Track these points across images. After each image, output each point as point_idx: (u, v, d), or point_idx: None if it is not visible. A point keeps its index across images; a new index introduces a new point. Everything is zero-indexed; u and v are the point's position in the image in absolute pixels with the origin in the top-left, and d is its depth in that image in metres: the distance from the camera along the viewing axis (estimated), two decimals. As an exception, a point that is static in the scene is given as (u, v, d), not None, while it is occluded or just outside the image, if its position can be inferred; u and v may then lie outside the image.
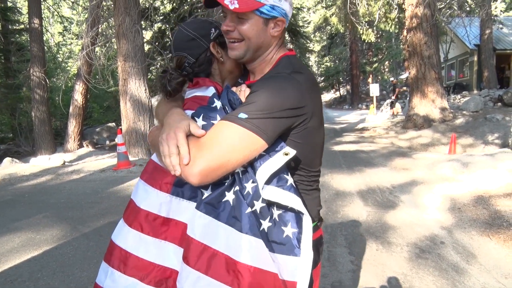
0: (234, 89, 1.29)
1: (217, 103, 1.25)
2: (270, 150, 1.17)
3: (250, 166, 1.17)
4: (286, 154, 1.15)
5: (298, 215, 1.20)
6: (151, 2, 16.38)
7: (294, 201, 1.16)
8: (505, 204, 4.73)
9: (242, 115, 1.09)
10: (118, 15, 10.22)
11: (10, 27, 19.12)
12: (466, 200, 5.06)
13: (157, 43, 17.44)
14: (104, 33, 14.67)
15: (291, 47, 21.77)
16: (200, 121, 1.18)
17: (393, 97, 19.92)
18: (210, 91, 1.31)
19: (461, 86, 23.06)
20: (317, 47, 40.80)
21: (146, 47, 18.10)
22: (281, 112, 1.13)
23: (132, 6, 10.27)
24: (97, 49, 13.87)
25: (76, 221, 4.89)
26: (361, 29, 16.72)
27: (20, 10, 20.81)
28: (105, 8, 13.59)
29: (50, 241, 4.25)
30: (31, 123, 14.57)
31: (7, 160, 9.89)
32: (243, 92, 1.26)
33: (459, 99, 17.85)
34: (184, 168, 1.06)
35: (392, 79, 21.27)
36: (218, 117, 1.19)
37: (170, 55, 1.42)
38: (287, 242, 1.17)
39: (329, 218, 4.72)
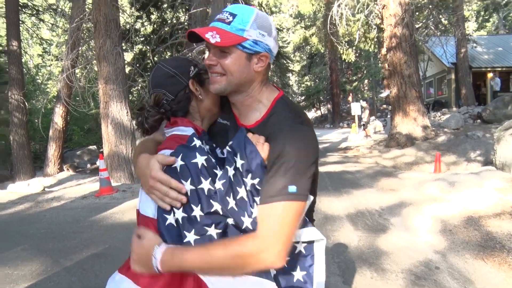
0: (251, 136, 1.22)
1: (196, 142, 1.24)
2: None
3: None
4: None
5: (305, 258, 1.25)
6: (131, 24, 16.32)
7: (314, 233, 1.24)
8: (495, 225, 4.71)
9: (292, 189, 1.11)
10: (98, 38, 10.11)
11: (-13, 49, 18.85)
12: (456, 221, 5.02)
13: (138, 65, 17.32)
14: (85, 55, 14.51)
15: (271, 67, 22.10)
16: (179, 161, 1.18)
17: (365, 119, 20.16)
18: (189, 130, 1.30)
19: (440, 103, 23.53)
20: (297, 66, 41.18)
21: (127, 69, 17.96)
22: (310, 167, 1.17)
23: (113, 28, 10.18)
24: (77, 71, 13.67)
25: (57, 254, 4.67)
26: (341, 48, 16.92)
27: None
28: (85, 30, 13.46)
29: (29, 277, 4.02)
30: (9, 147, 14.21)
31: (-17, 187, 9.57)
32: (261, 145, 1.18)
33: (439, 116, 18.14)
34: (266, 260, 1.10)
35: (363, 102, 21.53)
36: (198, 155, 1.18)
37: (148, 92, 1.39)
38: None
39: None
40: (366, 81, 33.77)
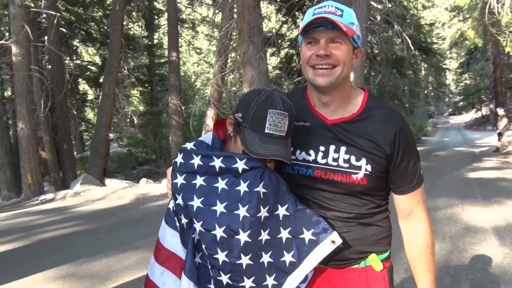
0: None
1: (188, 145, 1.39)
2: (317, 235, 1.31)
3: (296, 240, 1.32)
4: (333, 242, 1.30)
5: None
6: (276, 29, 16.89)
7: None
8: None
9: (420, 172, 1.40)
10: (243, 44, 10.67)
11: (156, 61, 21.51)
12: None
13: (287, 68, 17.88)
14: (236, 60, 15.52)
15: (424, 66, 20.18)
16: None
17: (500, 129, 17.31)
18: (204, 138, 1.43)
19: None
20: (454, 64, 37.61)
21: (275, 72, 18.62)
22: None
23: (256, 34, 10.62)
24: (231, 76, 14.70)
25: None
26: (504, 40, 14.93)
27: (164, 45, 23.20)
28: (233, 38, 14.39)
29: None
30: (169, 146, 15.94)
31: (143, 180, 10.92)
32: None
33: None
34: None
35: (500, 109, 18.43)
36: (178, 155, 1.37)
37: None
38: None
39: (453, 257, 4.13)
40: (540, 77, 29.17)
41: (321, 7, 1.28)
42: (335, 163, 1.33)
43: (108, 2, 17.70)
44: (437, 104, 41.25)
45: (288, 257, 1.31)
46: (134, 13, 18.26)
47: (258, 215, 1.23)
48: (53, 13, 12.58)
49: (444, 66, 25.18)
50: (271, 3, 16.94)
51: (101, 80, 17.78)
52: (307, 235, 1.31)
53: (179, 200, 1.30)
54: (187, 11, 19.94)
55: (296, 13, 17.45)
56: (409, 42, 11.13)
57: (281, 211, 1.29)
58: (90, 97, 22.95)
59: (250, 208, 1.22)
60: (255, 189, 1.23)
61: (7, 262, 4.68)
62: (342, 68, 1.28)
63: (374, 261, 1.38)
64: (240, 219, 1.22)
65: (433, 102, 37.40)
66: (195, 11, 19.23)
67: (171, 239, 1.40)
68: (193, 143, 1.38)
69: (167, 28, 16.51)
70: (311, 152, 1.37)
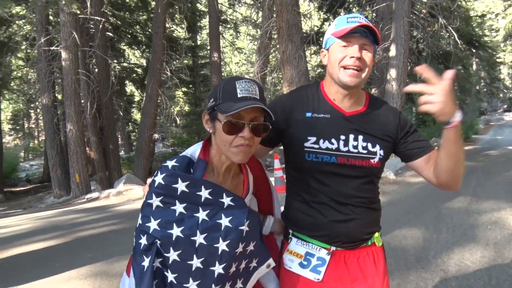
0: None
1: (169, 163, 1.34)
2: (259, 262, 1.49)
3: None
4: (268, 266, 1.50)
5: None
6: (318, 26, 16.69)
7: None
8: None
9: None
10: (282, 43, 10.64)
11: (199, 62, 21.87)
12: None
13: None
14: (275, 59, 15.49)
15: (475, 60, 19.23)
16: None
17: None
18: (186, 153, 1.39)
19: None
20: (509, 57, 35.59)
21: (318, 71, 18.44)
22: None
23: (295, 33, 10.56)
24: (274, 75, 14.69)
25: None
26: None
27: (207, 46, 23.55)
28: (273, 36, 14.37)
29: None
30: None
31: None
32: None
33: None
34: None
35: None
36: (158, 174, 1.29)
37: None
38: None
39: (496, 266, 3.86)
40: None
41: (354, 17, 1.48)
42: (355, 150, 1.55)
43: (152, 6, 18.19)
44: (491, 100, 39.27)
45: (239, 284, 1.44)
46: (177, 15, 18.64)
47: (236, 250, 1.32)
48: (99, 18, 13.07)
49: (497, 60, 23.82)
50: (312, 1, 16.78)
51: (146, 82, 18.32)
52: (253, 263, 1.47)
53: (153, 225, 1.26)
54: (229, 12, 20.15)
55: (338, 9, 17.20)
56: (456, 36, 10.64)
57: (251, 247, 1.41)
58: (136, 98, 23.65)
59: (230, 244, 1.30)
60: (240, 227, 1.31)
61: (48, 257, 4.89)
62: (367, 72, 1.48)
63: (377, 238, 1.66)
64: (219, 252, 1.29)
65: (485, 98, 35.65)
66: (236, 11, 19.40)
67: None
68: (174, 160, 1.34)
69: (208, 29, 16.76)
70: (333, 141, 1.55)
